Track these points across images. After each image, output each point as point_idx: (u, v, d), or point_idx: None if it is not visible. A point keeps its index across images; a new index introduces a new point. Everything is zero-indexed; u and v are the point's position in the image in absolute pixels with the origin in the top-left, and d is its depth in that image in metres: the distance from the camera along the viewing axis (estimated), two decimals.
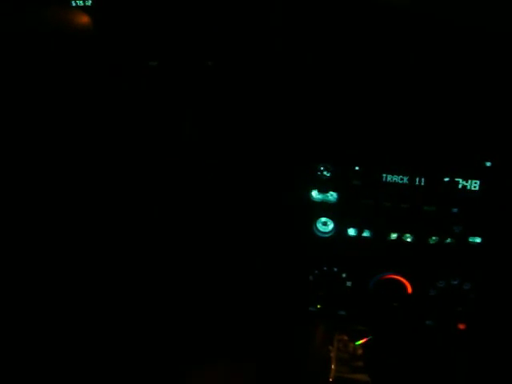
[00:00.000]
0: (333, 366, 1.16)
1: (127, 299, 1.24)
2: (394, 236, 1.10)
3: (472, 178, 1.06)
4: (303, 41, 1.07)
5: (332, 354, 1.18)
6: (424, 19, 1.00)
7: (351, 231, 1.10)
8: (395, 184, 1.07)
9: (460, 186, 1.07)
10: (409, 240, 1.09)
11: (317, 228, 1.11)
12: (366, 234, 1.10)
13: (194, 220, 1.15)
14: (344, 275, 1.12)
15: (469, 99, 1.06)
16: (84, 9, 1.14)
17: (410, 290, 1.11)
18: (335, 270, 1.12)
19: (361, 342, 1.19)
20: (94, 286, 1.23)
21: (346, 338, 1.21)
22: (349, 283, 1.12)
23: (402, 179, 1.07)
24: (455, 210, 1.07)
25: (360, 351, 1.19)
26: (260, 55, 1.09)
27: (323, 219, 1.10)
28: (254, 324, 1.23)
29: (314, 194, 1.09)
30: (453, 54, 1.04)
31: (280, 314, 1.20)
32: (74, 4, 1.14)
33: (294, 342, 1.24)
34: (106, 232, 1.19)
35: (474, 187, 1.07)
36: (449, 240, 1.09)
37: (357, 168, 1.07)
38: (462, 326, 1.13)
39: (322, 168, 1.07)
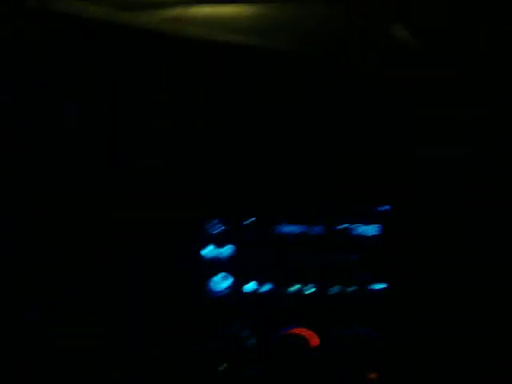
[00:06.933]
0: None
1: None
2: (295, 288, 1.05)
3: (370, 223, 1.03)
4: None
5: None
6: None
7: (250, 286, 1.05)
8: (292, 234, 1.03)
9: (358, 232, 1.03)
10: (311, 291, 1.05)
11: (213, 285, 1.05)
12: (265, 287, 1.05)
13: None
14: (247, 333, 1.06)
15: (360, 143, 1.04)
16: None
17: (316, 342, 1.06)
18: (237, 327, 1.06)
19: None
20: None
21: None
22: (253, 341, 1.06)
23: (298, 229, 1.03)
24: (355, 257, 1.04)
25: None
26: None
27: (219, 275, 1.05)
28: None
29: (208, 249, 1.03)
30: (324, 93, 1.02)
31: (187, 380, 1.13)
32: None
33: None
34: None
35: (373, 232, 1.04)
36: (351, 288, 1.05)
37: (251, 220, 1.02)
38: (373, 376, 1.09)
39: (214, 222, 1.02)
